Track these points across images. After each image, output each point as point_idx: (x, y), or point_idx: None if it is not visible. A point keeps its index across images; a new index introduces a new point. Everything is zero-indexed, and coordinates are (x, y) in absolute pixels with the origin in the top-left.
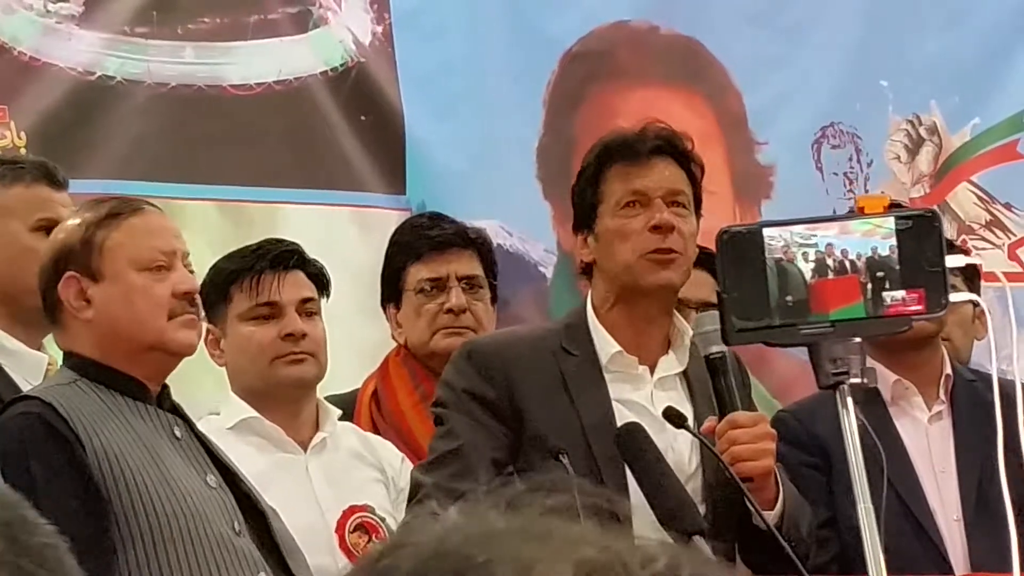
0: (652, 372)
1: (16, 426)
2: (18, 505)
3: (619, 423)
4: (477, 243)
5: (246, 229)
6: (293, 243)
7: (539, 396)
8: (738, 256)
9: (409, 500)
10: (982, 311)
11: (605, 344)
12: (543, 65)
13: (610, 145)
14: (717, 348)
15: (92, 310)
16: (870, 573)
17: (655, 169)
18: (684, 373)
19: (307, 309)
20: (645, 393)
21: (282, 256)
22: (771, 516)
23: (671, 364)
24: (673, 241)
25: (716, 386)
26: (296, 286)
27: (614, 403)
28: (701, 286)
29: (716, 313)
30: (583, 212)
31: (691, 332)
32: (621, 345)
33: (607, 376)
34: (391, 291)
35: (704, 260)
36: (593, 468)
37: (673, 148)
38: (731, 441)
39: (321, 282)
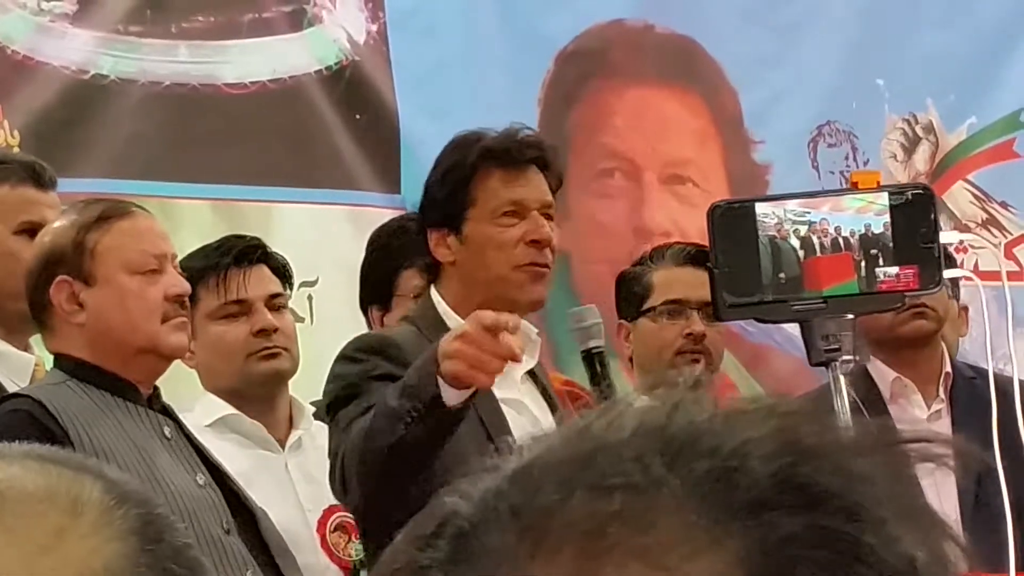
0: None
1: (5, 423)
2: (155, 503)
3: (509, 421)
4: None
5: (240, 228)
6: (255, 238)
7: None
8: (730, 231)
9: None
10: (965, 307)
11: None
12: (538, 64)
13: (490, 148)
14: (596, 343)
15: (84, 314)
16: None
17: (532, 179)
18: (530, 371)
19: (275, 304)
20: (517, 390)
21: (245, 252)
22: None
23: (527, 362)
24: (547, 255)
25: (595, 380)
26: (263, 281)
27: (499, 401)
28: (700, 286)
29: (595, 308)
30: (448, 211)
31: (535, 331)
32: None
33: None
34: (379, 294)
35: (702, 258)
36: None
37: (546, 158)
38: None
39: (285, 275)
